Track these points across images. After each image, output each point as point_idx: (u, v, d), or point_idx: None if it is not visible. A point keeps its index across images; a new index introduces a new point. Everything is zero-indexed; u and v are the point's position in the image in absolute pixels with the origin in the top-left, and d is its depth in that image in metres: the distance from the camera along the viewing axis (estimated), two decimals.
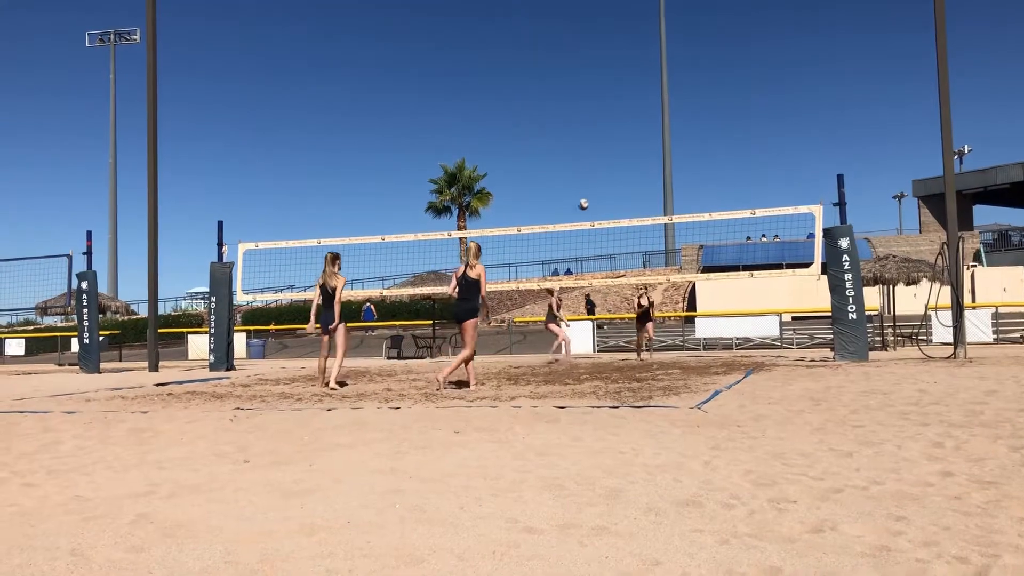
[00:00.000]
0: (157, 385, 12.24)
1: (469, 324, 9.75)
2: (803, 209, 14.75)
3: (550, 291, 18.03)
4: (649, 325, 19.14)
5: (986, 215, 57.14)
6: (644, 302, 18.93)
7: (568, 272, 48.42)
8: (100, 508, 3.78)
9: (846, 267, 14.01)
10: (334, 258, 11.19)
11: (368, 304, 35.81)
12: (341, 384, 10.94)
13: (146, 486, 4.27)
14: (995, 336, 22.43)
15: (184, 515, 3.60)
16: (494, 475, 4.35)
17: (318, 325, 11.24)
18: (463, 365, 9.90)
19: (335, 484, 4.21)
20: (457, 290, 9.93)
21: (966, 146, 58.90)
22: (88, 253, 18.02)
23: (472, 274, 9.86)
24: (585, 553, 2.91)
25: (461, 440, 5.65)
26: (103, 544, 3.16)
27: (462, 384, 10.27)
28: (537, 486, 4.07)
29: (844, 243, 14.06)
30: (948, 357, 13.80)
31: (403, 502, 3.76)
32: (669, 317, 33.68)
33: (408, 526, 3.33)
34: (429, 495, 3.90)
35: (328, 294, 10.98)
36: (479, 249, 10.12)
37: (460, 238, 39.06)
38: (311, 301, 11.78)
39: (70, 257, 18.36)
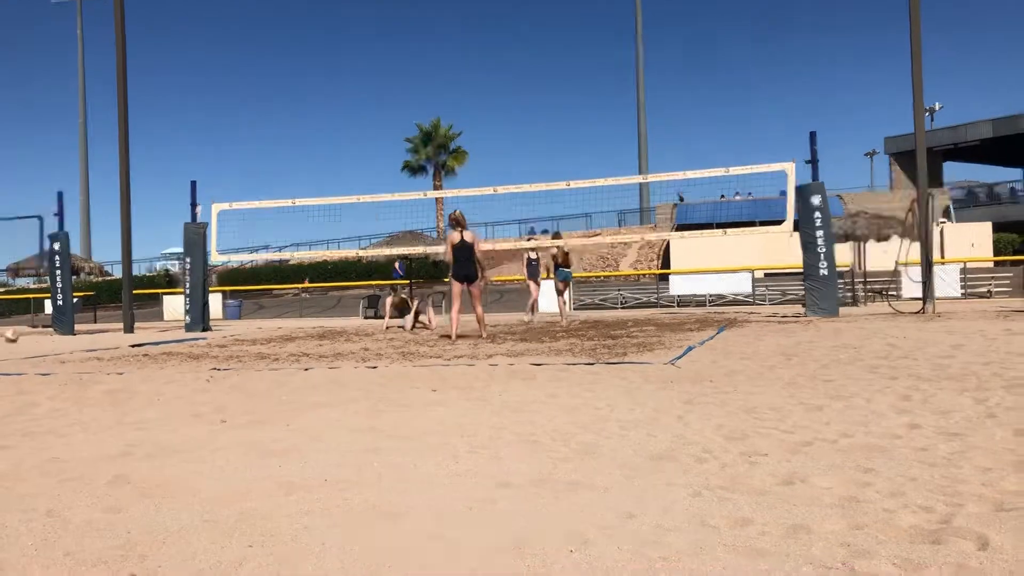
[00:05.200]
0: (133, 346, 12.18)
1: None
2: (776, 167, 14.80)
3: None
4: (532, 287, 16.72)
5: (956, 172, 57.53)
6: (533, 256, 17.05)
7: (545, 231, 48.38)
8: (76, 469, 3.78)
9: (818, 224, 14.12)
10: (461, 218, 11.56)
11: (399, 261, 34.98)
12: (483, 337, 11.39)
13: (123, 447, 4.27)
14: (963, 291, 22.75)
15: (161, 476, 3.61)
16: (471, 432, 4.39)
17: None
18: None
19: (313, 443, 4.23)
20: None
21: (937, 103, 59.06)
22: (59, 215, 17.80)
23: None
24: (560, 507, 2.96)
25: (438, 398, 5.69)
26: (80, 505, 3.17)
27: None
28: (513, 442, 4.11)
29: (816, 200, 14.15)
30: (917, 312, 14.00)
31: (381, 460, 3.79)
32: (644, 275, 33.82)
33: (386, 484, 3.37)
34: (407, 453, 3.93)
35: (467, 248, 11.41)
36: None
37: (436, 198, 38.90)
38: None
39: (41, 219, 18.18)
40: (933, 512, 2.77)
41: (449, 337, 11.21)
